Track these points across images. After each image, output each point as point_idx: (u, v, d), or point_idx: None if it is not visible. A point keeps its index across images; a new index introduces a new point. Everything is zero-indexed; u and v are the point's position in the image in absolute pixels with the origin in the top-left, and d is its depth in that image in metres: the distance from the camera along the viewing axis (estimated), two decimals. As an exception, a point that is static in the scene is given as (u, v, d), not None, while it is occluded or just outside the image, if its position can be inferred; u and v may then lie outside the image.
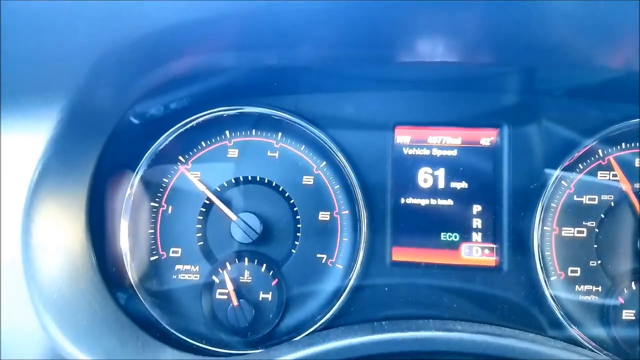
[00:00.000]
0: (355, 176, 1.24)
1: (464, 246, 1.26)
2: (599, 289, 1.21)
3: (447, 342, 0.98)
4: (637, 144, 1.24)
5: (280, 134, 1.29)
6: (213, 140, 1.29)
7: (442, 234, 1.26)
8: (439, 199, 1.27)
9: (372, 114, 1.29)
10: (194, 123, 1.27)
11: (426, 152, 1.29)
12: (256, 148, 1.29)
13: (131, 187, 1.26)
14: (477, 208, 1.26)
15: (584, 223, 1.23)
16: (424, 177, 1.28)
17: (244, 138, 1.29)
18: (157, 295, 1.25)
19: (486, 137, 1.28)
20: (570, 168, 1.24)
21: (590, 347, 1.17)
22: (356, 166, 1.26)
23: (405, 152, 1.29)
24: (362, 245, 1.23)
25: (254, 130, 1.29)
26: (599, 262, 1.21)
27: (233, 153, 1.29)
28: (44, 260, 1.00)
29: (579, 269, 1.22)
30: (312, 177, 1.27)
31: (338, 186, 1.27)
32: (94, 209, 1.16)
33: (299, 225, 1.26)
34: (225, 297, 1.23)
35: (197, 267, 1.26)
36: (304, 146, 1.28)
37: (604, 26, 0.95)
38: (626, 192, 1.22)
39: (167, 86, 1.13)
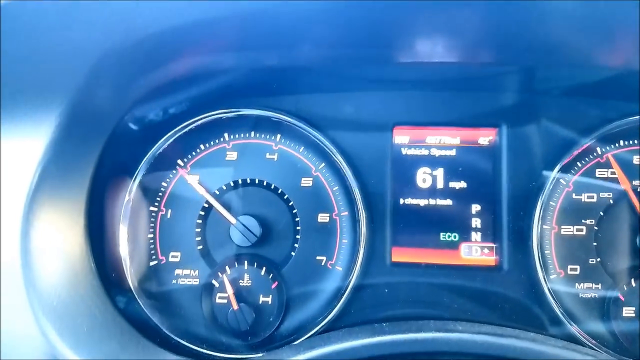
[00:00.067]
0: (354, 177, 1.24)
1: (464, 246, 1.26)
2: (599, 286, 1.21)
3: (448, 343, 0.97)
4: (636, 142, 1.24)
5: (279, 135, 1.28)
6: (212, 143, 1.29)
7: (441, 234, 1.26)
8: (438, 199, 1.27)
9: (371, 114, 1.29)
10: (192, 126, 1.27)
11: (425, 152, 1.29)
12: (255, 150, 1.29)
13: (130, 191, 1.26)
14: (476, 207, 1.26)
15: (583, 221, 1.23)
16: (423, 177, 1.28)
17: (243, 140, 1.29)
18: (156, 299, 1.25)
19: (485, 137, 1.28)
20: (569, 166, 1.24)
21: (590, 345, 1.17)
22: (355, 167, 1.26)
23: (404, 152, 1.29)
24: (362, 246, 1.23)
25: (252, 133, 1.29)
26: (599, 259, 1.22)
27: (232, 156, 1.29)
28: (43, 265, 1.00)
29: (578, 267, 1.22)
30: (311, 179, 1.27)
31: (337, 187, 1.27)
32: (93, 214, 1.15)
33: (298, 228, 1.26)
34: (225, 300, 1.22)
35: (197, 271, 1.26)
36: (302, 148, 1.28)
37: (603, 25, 0.95)
38: (625, 190, 1.22)
39: (166, 88, 1.13)
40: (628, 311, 1.18)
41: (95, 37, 0.94)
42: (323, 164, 1.27)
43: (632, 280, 1.19)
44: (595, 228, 1.22)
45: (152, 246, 1.27)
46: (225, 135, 1.29)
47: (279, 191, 1.27)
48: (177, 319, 1.24)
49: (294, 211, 1.26)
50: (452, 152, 1.28)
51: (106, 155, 1.13)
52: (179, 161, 1.29)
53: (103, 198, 1.21)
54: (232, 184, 1.28)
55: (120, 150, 1.17)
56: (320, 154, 1.27)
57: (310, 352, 0.96)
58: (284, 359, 0.96)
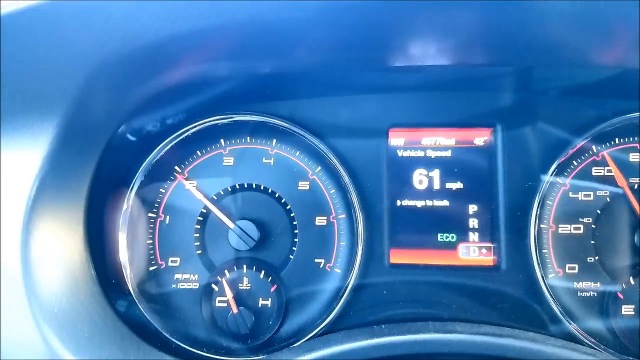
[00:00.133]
0: (351, 180, 1.25)
1: (462, 246, 1.26)
2: (598, 284, 1.21)
3: (447, 344, 0.98)
4: (631, 139, 1.24)
5: (274, 140, 1.29)
6: (208, 149, 1.30)
7: (439, 234, 1.26)
8: (434, 200, 1.27)
9: (366, 117, 1.29)
10: (189, 133, 1.28)
11: (420, 153, 1.29)
12: (251, 155, 1.29)
13: (128, 199, 1.27)
14: (473, 208, 1.26)
15: (580, 220, 1.23)
16: (419, 179, 1.28)
17: (240, 146, 1.30)
18: (157, 304, 1.26)
19: (480, 137, 1.29)
20: (565, 165, 1.24)
21: (589, 343, 1.17)
22: (351, 170, 1.26)
23: (399, 154, 1.29)
24: (360, 249, 1.23)
25: (249, 138, 1.30)
26: (597, 258, 1.22)
27: (229, 161, 1.30)
28: (43, 273, 1.01)
29: (576, 265, 1.22)
30: (308, 183, 1.28)
31: (334, 190, 1.27)
32: (92, 221, 1.16)
33: (296, 231, 1.26)
34: (225, 304, 1.23)
35: (196, 276, 1.27)
36: (298, 152, 1.29)
37: (602, 25, 0.95)
38: (621, 187, 1.22)
39: (162, 96, 1.14)
40: (627, 309, 1.18)
41: (91, 48, 0.95)
42: (319, 168, 1.28)
43: (631, 277, 1.19)
44: (593, 226, 1.22)
45: (151, 251, 1.28)
46: (222, 141, 1.30)
47: (276, 195, 1.28)
48: (177, 322, 1.25)
49: (292, 215, 1.27)
50: (448, 153, 1.29)
51: (103, 164, 1.13)
52: (177, 167, 1.30)
53: (102, 206, 1.23)
54: (229, 189, 1.29)
55: (118, 158, 1.18)
56: (316, 157, 1.28)
57: (310, 354, 0.97)
58: (283, 362, 0.97)
